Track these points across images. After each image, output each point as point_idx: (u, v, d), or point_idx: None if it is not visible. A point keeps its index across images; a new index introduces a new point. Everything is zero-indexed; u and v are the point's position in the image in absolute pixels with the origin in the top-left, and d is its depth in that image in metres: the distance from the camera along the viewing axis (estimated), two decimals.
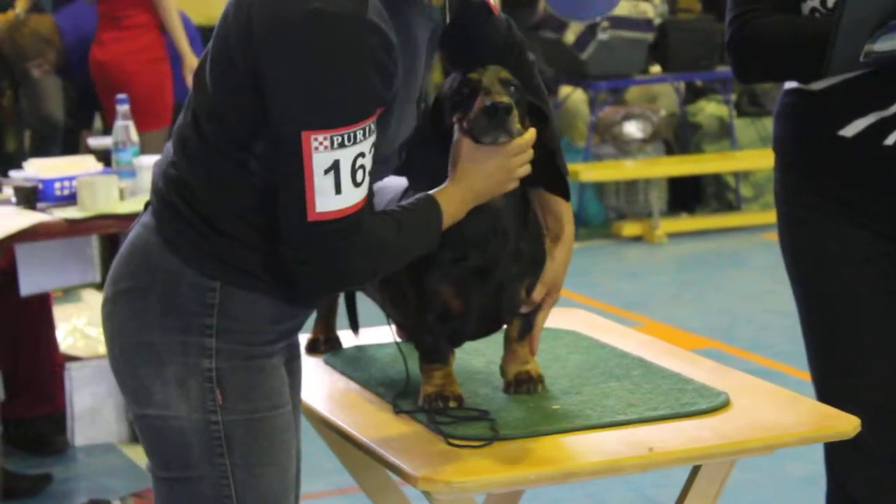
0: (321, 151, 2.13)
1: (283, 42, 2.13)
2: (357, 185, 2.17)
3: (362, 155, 2.16)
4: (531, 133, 2.41)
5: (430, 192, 2.36)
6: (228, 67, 2.21)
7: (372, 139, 2.18)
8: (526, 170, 2.41)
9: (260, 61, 2.15)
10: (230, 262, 2.24)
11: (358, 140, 2.15)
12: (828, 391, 2.97)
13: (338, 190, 2.15)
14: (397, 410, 2.53)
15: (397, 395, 2.58)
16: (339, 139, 2.13)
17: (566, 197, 2.56)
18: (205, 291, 2.23)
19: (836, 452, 3.00)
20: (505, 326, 2.62)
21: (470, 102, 2.40)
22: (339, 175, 2.15)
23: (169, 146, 2.33)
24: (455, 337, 2.58)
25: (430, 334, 2.54)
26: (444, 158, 2.42)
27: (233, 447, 2.25)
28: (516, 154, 2.38)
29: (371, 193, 2.24)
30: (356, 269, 2.24)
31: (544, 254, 2.58)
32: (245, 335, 2.26)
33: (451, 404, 2.49)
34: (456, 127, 2.41)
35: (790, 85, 3.03)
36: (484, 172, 2.37)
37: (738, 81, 3.31)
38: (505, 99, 2.36)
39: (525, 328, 2.61)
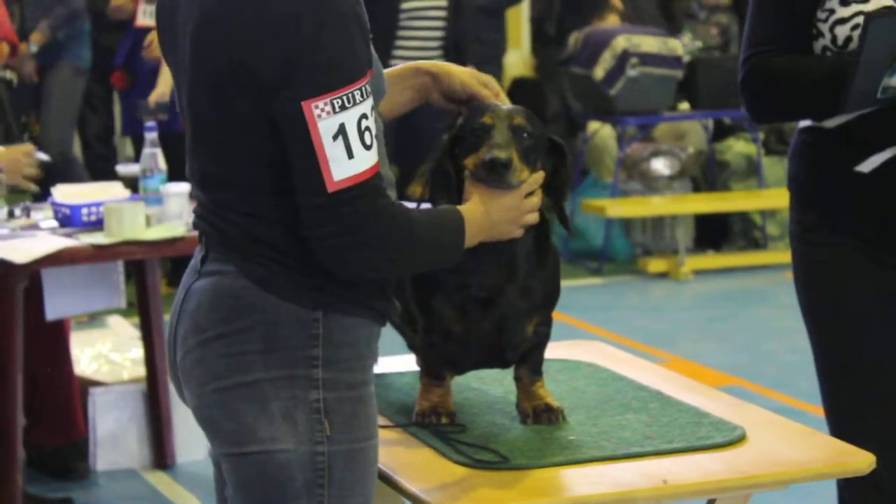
0: (325, 118, 2.13)
1: (267, 18, 2.13)
2: (367, 147, 2.17)
3: (365, 117, 2.17)
4: (539, 176, 2.44)
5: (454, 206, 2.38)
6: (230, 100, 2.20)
7: (370, 102, 2.18)
8: (534, 217, 2.44)
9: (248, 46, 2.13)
10: (329, 288, 2.23)
11: (357, 101, 2.15)
12: (842, 427, 2.96)
13: (350, 154, 2.15)
14: (398, 423, 2.58)
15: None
16: (340, 102, 2.14)
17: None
18: (308, 323, 2.22)
19: (850, 489, 3.00)
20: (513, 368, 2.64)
21: (478, 147, 2.43)
22: (348, 138, 2.15)
23: (204, 198, 2.30)
24: (456, 361, 2.61)
25: (433, 352, 2.59)
26: (461, 188, 2.46)
27: (332, 478, 2.23)
28: (527, 194, 2.41)
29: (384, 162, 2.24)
30: (386, 235, 2.19)
31: (558, 290, 2.60)
32: (348, 363, 2.25)
33: (444, 420, 2.56)
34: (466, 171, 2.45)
35: (804, 123, 3.04)
36: (500, 205, 2.39)
37: (753, 121, 3.31)
38: (503, 154, 2.38)
39: (534, 371, 2.63)
